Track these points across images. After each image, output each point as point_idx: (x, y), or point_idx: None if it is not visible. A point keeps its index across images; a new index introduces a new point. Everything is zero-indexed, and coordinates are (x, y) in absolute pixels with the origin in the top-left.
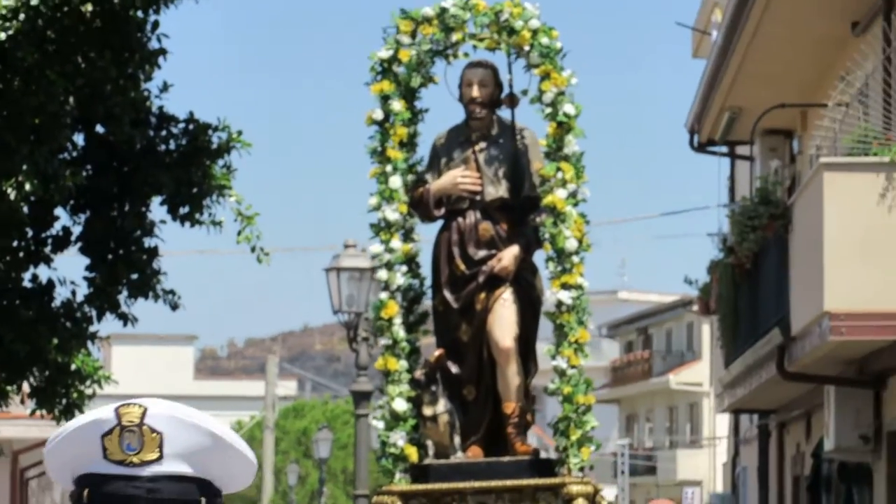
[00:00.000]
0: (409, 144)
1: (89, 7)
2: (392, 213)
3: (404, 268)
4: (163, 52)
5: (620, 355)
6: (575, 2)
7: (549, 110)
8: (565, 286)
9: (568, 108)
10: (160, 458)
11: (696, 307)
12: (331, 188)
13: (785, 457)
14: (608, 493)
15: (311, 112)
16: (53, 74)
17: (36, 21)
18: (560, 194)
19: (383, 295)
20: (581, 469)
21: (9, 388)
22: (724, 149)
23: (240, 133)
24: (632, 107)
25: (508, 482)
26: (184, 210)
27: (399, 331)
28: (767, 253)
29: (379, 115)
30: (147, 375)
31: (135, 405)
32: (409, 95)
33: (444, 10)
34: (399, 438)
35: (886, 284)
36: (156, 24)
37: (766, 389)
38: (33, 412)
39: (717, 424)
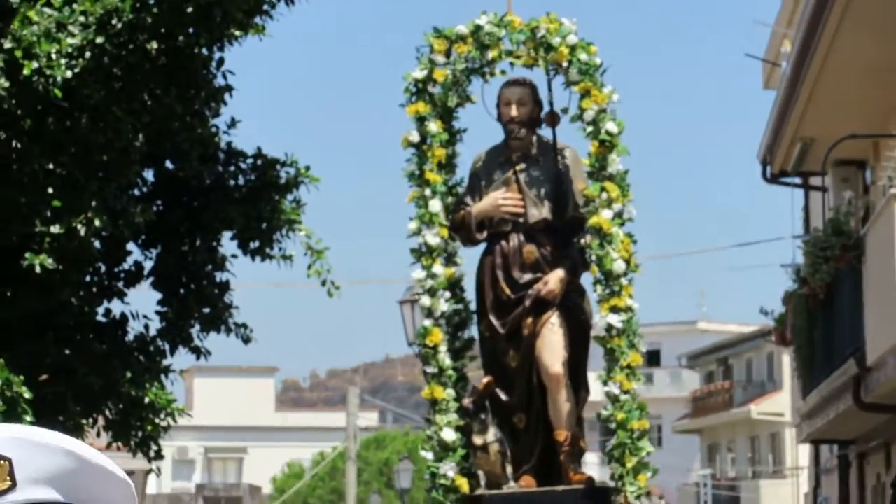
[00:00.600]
0: (447, 166)
1: (155, 45)
2: (433, 238)
3: (447, 293)
4: (229, 88)
5: (701, 385)
6: (644, 35)
7: (590, 128)
8: (614, 309)
9: (610, 126)
10: (13, 486)
11: (773, 338)
12: (405, 220)
13: (866, 487)
14: None
15: (381, 143)
16: (120, 112)
17: (102, 59)
18: (605, 215)
19: (427, 322)
20: (638, 497)
21: (83, 421)
22: (797, 180)
23: (308, 168)
24: (705, 139)
25: None
26: (254, 245)
27: (445, 358)
28: (841, 283)
29: (415, 137)
30: (229, 407)
31: None
32: (447, 116)
33: (478, 28)
34: (449, 469)
35: None
36: (221, 61)
37: (845, 420)
38: (109, 444)
39: (800, 454)
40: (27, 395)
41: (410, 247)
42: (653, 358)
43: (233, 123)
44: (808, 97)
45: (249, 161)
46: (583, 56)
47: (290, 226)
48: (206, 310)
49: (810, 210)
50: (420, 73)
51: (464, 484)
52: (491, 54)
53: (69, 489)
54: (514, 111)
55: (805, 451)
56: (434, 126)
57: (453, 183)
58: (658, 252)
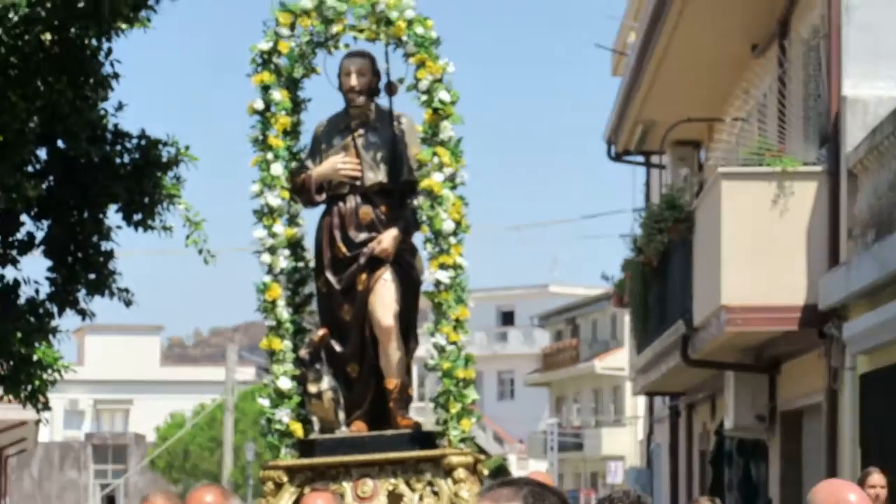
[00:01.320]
0: (292, 133)
1: (48, 36)
2: (274, 199)
3: (287, 251)
4: (116, 75)
5: (551, 343)
6: (503, 27)
7: (424, 97)
8: (443, 266)
9: (443, 96)
10: None
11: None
12: None
13: (693, 434)
14: (540, 466)
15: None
16: (15, 97)
17: None
18: (436, 178)
19: (267, 278)
20: (462, 441)
21: None
22: (641, 158)
23: (187, 147)
24: (558, 121)
25: (391, 454)
26: (137, 217)
27: (283, 312)
28: (673, 253)
29: (260, 104)
30: (117, 362)
31: None
32: (292, 86)
33: (321, 3)
34: (284, 415)
35: (777, 281)
36: (109, 51)
37: (675, 374)
38: (0, 397)
39: (639, 405)
40: None
41: (253, 208)
42: (507, 318)
43: (120, 107)
44: (650, 84)
45: (134, 141)
46: (419, 30)
47: (170, 200)
48: (92, 276)
49: (651, 186)
50: (265, 45)
51: (298, 429)
52: (335, 28)
53: None
54: (353, 81)
55: (642, 402)
56: (278, 95)
57: (298, 149)
58: (514, 223)
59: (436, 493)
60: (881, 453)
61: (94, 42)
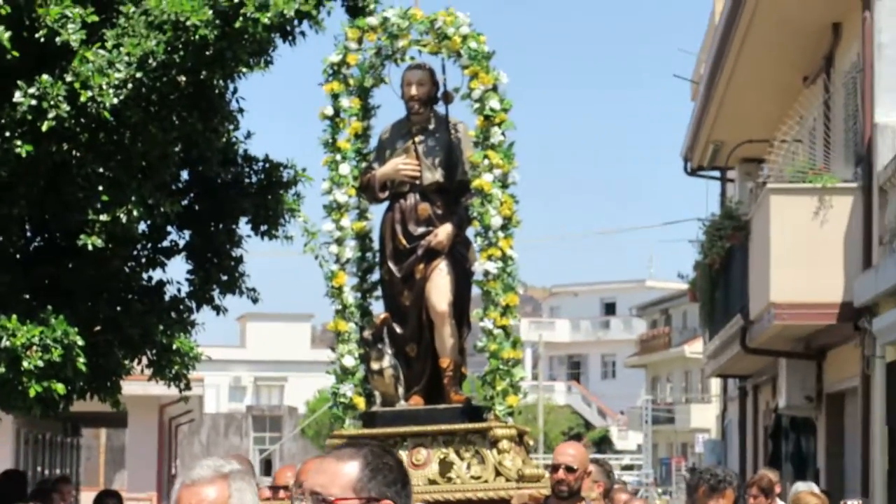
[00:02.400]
0: (363, 136)
1: (182, 78)
2: (341, 196)
3: (354, 243)
4: (240, 110)
5: (647, 330)
6: (588, 61)
7: (477, 105)
8: (491, 257)
9: (494, 104)
10: None
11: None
12: None
13: (758, 412)
14: (637, 438)
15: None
16: (154, 129)
17: (140, 89)
18: (486, 178)
19: (334, 266)
20: (510, 415)
21: (126, 362)
22: (717, 173)
23: (304, 169)
24: (642, 141)
25: (443, 426)
26: (263, 228)
27: (348, 297)
28: (733, 256)
29: (330, 111)
30: (275, 345)
31: None
32: (363, 94)
33: (385, 20)
34: (348, 390)
35: (818, 282)
36: (235, 90)
37: (739, 360)
38: (149, 378)
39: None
40: (80, 343)
41: (323, 203)
42: (610, 308)
43: (248, 135)
44: (718, 109)
45: (260, 164)
46: (472, 44)
47: (291, 213)
48: (225, 277)
49: (725, 197)
50: (336, 58)
51: (361, 402)
52: (401, 42)
53: None
54: (414, 91)
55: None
56: (346, 102)
57: (367, 151)
58: (607, 228)
59: (482, 462)
60: None
61: (221, 83)
